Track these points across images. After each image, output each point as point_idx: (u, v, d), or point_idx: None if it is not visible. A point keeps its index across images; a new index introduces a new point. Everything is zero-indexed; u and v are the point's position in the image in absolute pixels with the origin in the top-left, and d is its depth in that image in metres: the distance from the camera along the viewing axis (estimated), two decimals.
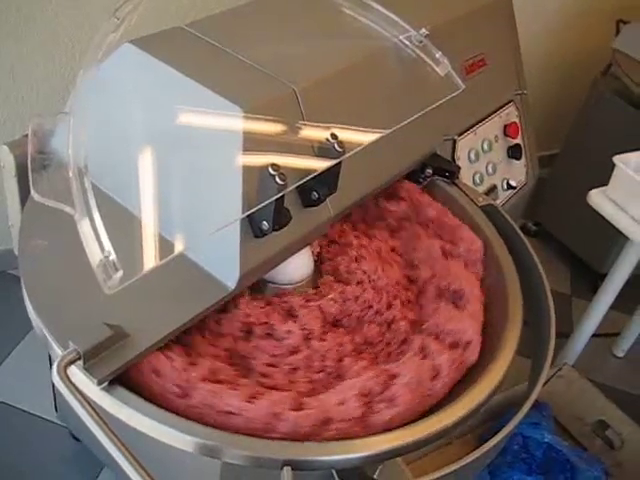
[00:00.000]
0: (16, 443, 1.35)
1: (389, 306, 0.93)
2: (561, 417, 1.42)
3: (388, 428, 0.76)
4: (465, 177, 1.21)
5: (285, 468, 0.69)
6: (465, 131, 1.22)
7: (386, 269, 0.97)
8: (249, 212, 0.75)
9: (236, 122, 0.76)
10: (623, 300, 1.45)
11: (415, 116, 0.92)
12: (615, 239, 1.58)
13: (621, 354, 1.82)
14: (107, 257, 0.64)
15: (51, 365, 1.18)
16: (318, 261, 0.98)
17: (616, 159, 1.21)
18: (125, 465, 0.65)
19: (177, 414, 0.72)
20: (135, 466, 0.65)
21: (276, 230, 0.79)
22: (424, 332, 0.89)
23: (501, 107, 1.32)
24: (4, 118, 1.50)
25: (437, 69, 0.98)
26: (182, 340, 0.82)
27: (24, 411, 1.40)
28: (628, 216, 1.21)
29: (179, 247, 0.77)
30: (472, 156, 1.25)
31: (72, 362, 0.70)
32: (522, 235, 1.03)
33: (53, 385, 1.24)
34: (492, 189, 1.31)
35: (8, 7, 1.37)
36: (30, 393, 1.42)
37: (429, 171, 1.10)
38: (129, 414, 0.72)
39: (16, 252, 0.91)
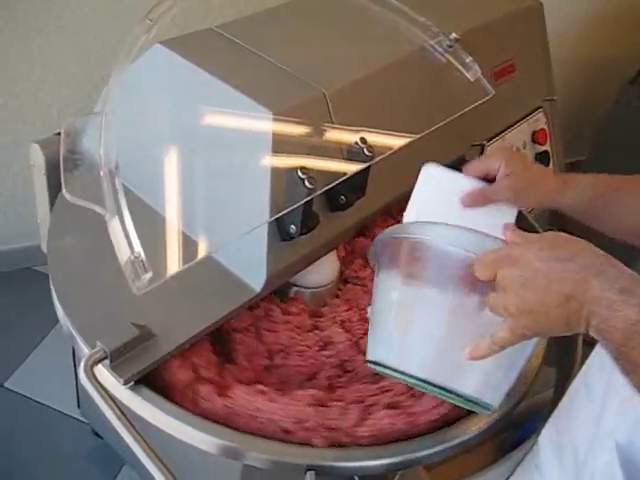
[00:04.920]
0: (38, 438, 1.36)
1: None
2: None
3: None
4: None
5: (309, 473, 0.69)
6: (493, 137, 1.21)
7: None
8: (277, 215, 0.75)
9: (265, 125, 0.76)
10: None
11: (445, 121, 0.92)
12: None
13: None
14: (137, 258, 0.64)
15: (74, 362, 1.19)
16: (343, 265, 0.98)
17: None
18: (148, 463, 0.66)
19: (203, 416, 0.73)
20: (158, 464, 0.66)
21: (303, 234, 0.79)
22: None
23: (530, 113, 1.31)
24: (33, 118, 1.52)
25: (467, 74, 0.97)
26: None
27: (47, 406, 1.41)
28: None
29: (207, 249, 0.78)
30: None
31: (99, 361, 0.70)
32: None
33: (76, 381, 1.25)
34: None
35: (40, 9, 1.39)
36: (53, 389, 1.43)
37: None
38: (154, 414, 0.72)
39: (43, 249, 0.92)
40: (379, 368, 0.71)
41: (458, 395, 0.67)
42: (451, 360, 0.66)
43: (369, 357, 0.73)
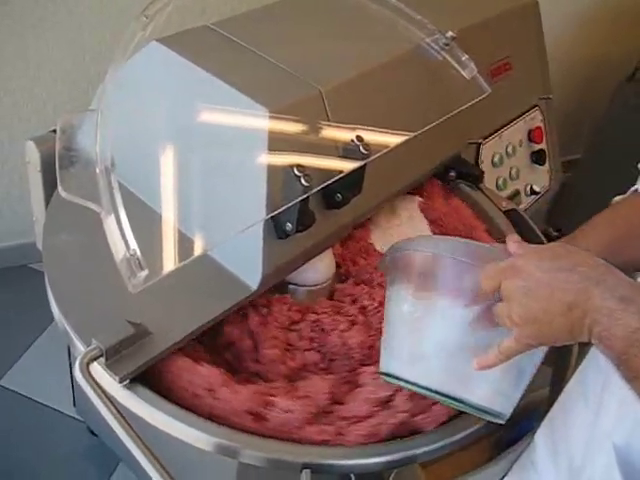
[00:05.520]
0: (33, 436, 1.36)
1: None
2: None
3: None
4: (488, 181, 1.20)
5: (304, 471, 0.69)
6: (490, 135, 1.22)
7: None
8: (273, 213, 0.75)
9: (262, 122, 0.75)
10: None
11: (441, 119, 0.92)
12: None
13: None
14: (132, 255, 0.64)
15: (70, 360, 1.19)
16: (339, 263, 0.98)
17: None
18: (143, 461, 0.66)
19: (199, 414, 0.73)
20: (154, 463, 0.66)
21: (299, 232, 0.79)
22: None
23: (526, 112, 1.31)
24: (29, 114, 1.52)
25: (463, 72, 0.97)
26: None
27: (42, 404, 1.41)
28: None
29: (203, 247, 0.78)
30: (496, 160, 1.24)
31: (94, 359, 0.70)
32: (545, 241, 1.02)
33: (72, 379, 1.25)
34: (515, 194, 1.30)
35: (36, 5, 1.38)
36: (48, 387, 1.43)
37: (453, 174, 1.09)
38: (149, 412, 0.72)
39: (39, 246, 0.92)
40: (391, 379, 0.71)
41: (470, 405, 0.68)
42: (461, 371, 0.67)
43: (381, 369, 0.74)
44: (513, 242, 0.65)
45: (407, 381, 0.69)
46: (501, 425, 0.73)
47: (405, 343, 0.70)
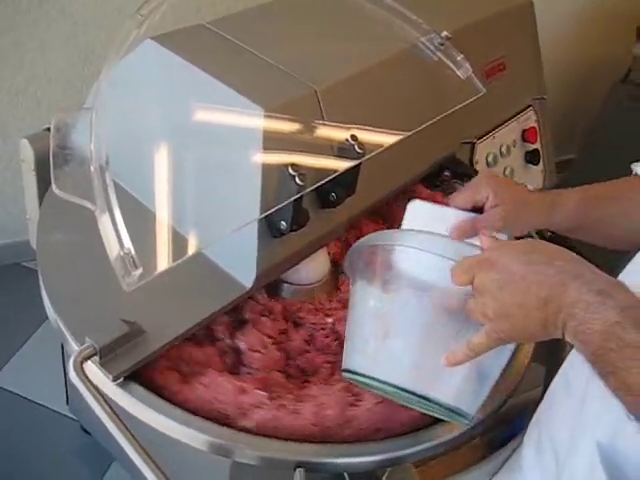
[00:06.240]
0: (27, 434, 1.36)
1: None
2: None
3: None
4: None
5: (298, 470, 0.69)
6: (484, 135, 1.22)
7: None
8: (268, 212, 0.75)
9: (257, 121, 0.75)
10: None
11: (435, 119, 0.92)
12: None
13: None
14: (127, 254, 0.64)
15: (63, 358, 1.19)
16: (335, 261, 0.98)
17: (635, 166, 1.20)
18: (137, 460, 0.66)
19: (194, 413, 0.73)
20: (147, 461, 0.65)
21: (294, 230, 0.79)
22: None
23: (520, 112, 1.31)
24: (23, 113, 1.51)
25: (458, 72, 0.97)
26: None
27: (35, 403, 1.41)
28: None
29: (197, 246, 0.78)
30: (490, 160, 1.24)
31: (88, 357, 0.70)
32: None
33: (65, 378, 1.25)
34: None
35: (30, 4, 1.38)
36: (42, 385, 1.43)
37: (447, 174, 1.10)
38: (143, 410, 0.72)
39: (32, 245, 0.92)
40: (355, 377, 0.69)
41: (436, 404, 0.66)
42: (428, 368, 0.66)
43: (345, 366, 0.71)
44: (485, 237, 0.64)
45: (372, 378, 0.67)
46: (493, 425, 0.73)
47: (371, 340, 0.68)
